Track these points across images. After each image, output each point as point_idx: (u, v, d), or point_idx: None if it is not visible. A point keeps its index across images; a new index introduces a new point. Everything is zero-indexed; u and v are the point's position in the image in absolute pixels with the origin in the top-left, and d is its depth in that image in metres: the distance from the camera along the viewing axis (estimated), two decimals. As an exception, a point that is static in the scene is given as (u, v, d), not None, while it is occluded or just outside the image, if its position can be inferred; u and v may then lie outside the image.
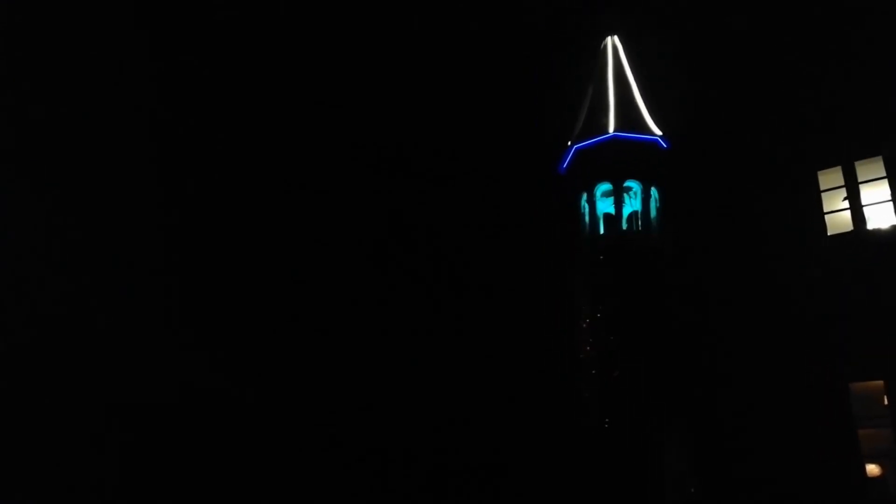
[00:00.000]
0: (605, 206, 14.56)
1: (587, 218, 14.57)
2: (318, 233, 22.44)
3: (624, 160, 14.22)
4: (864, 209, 12.49)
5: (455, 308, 19.98)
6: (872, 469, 12.02)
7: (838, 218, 12.79)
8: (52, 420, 19.12)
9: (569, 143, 14.96)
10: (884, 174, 12.30)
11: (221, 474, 18.42)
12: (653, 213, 14.19)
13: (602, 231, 14.47)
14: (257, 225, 22.45)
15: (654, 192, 14.29)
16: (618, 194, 14.15)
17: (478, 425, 17.85)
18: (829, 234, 12.74)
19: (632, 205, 14.48)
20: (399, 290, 20.97)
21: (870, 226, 12.44)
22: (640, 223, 14.20)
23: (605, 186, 14.48)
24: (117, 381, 19.66)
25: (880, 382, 11.88)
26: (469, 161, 21.90)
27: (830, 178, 12.87)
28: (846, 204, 12.69)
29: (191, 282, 21.81)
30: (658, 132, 14.42)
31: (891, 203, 12.22)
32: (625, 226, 14.18)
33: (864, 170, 12.56)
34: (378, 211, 22.37)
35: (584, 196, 14.69)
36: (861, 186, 12.55)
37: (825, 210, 12.85)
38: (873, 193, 12.52)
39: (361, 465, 18.22)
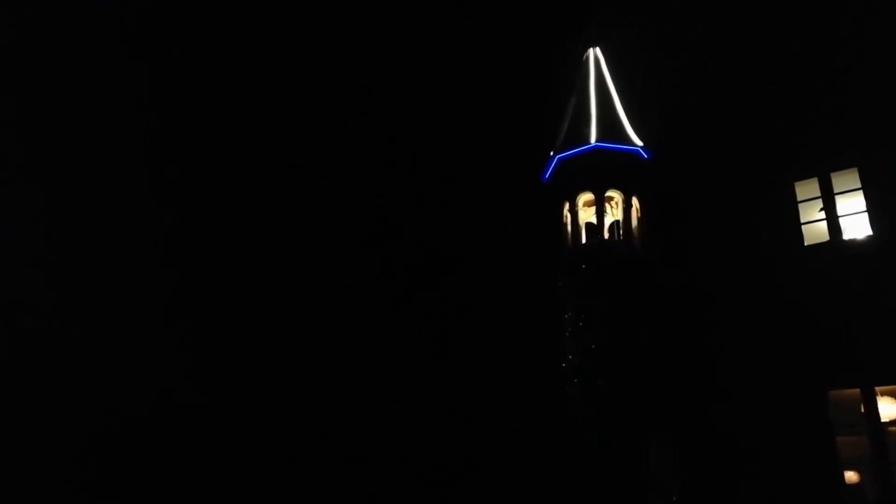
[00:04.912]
0: (587, 215, 14.73)
1: (569, 227, 14.74)
2: (304, 241, 22.49)
3: (605, 170, 14.39)
4: (840, 220, 12.70)
5: (441, 318, 20.07)
6: (851, 476, 12.19)
7: (815, 228, 12.99)
8: (33, 430, 19.03)
9: (551, 152, 15.10)
10: (859, 185, 12.51)
11: (202, 485, 18.38)
12: (634, 222, 14.36)
13: (584, 240, 14.62)
14: (253, 229, 22.52)
15: (634, 201, 14.48)
16: (599, 204, 14.29)
17: (463, 432, 17.92)
18: (805, 244, 12.94)
19: (613, 214, 14.64)
20: (382, 300, 21.04)
21: (845, 236, 12.64)
22: (621, 232, 14.36)
23: (587, 196, 14.65)
24: (98, 391, 19.59)
25: (857, 391, 12.06)
26: (456, 171, 22.06)
27: (807, 188, 13.08)
28: (822, 215, 12.90)
29: (176, 290, 21.78)
30: (639, 143, 14.60)
31: (866, 214, 12.42)
32: (606, 235, 14.31)
33: (839, 181, 12.76)
34: (363, 220, 22.46)
35: (567, 205, 14.86)
36: (837, 197, 12.76)
37: (802, 221, 13.05)
38: (849, 204, 12.73)
39: (343, 477, 18.23)
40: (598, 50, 15.51)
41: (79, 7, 24.22)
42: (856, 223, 12.62)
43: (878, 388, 11.91)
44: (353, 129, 25.32)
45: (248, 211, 23.41)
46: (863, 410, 11.95)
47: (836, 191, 12.74)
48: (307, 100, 26.36)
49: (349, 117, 25.25)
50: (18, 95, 23.28)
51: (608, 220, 14.48)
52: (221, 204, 23.56)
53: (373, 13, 26.03)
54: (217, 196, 23.67)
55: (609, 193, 14.47)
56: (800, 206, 13.07)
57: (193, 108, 24.54)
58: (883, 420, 11.76)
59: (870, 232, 12.31)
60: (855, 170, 12.54)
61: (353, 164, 24.13)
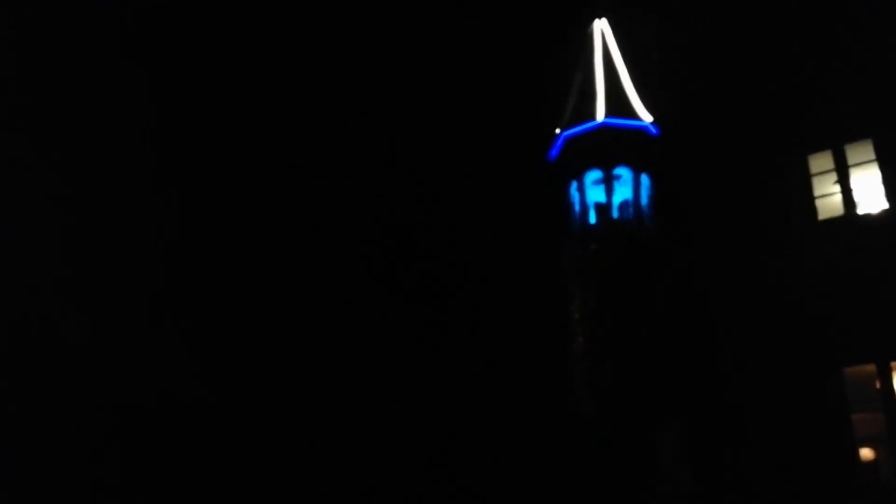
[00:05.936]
0: (596, 194, 14.48)
1: (577, 206, 14.48)
2: (305, 240, 22.35)
3: (613, 147, 14.17)
4: (854, 193, 12.48)
5: (442, 317, 19.89)
6: (866, 453, 11.93)
7: (829, 202, 12.74)
8: (34, 430, 18.78)
9: (557, 130, 14.91)
10: (874, 157, 12.29)
11: (203, 484, 18.13)
12: (643, 200, 14.13)
13: (592, 220, 14.36)
14: (253, 229, 22.40)
15: (644, 179, 14.24)
16: (608, 182, 14.08)
17: (463, 431, 17.68)
18: (819, 218, 12.69)
19: (622, 192, 14.39)
20: (382, 299, 20.85)
21: (860, 210, 12.41)
22: (631, 211, 14.12)
23: (595, 174, 14.41)
24: (98, 391, 19.36)
25: (872, 366, 11.81)
26: (456, 169, 21.97)
27: (821, 161, 12.84)
28: (837, 188, 12.67)
29: (176, 290, 21.61)
30: (648, 118, 14.38)
31: (881, 187, 12.20)
32: (616, 214, 14.09)
33: (853, 153, 12.54)
34: (367, 214, 22.36)
35: (574, 184, 14.62)
36: (851, 170, 12.53)
37: (816, 194, 12.82)
38: (863, 177, 12.50)
39: (343, 477, 17.98)
40: (604, 21, 15.28)
41: (79, 7, 24.19)
42: (870, 196, 12.39)
43: (893, 364, 11.67)
44: (353, 129, 25.25)
45: (249, 211, 23.29)
46: (878, 386, 11.70)
47: (850, 163, 12.51)
48: (307, 100, 26.33)
49: (349, 117, 25.20)
50: (18, 95, 23.17)
51: (617, 199, 14.23)
52: (222, 204, 23.43)
53: (373, 13, 26.05)
54: (217, 196, 23.54)
55: (618, 171, 14.22)
56: (813, 179, 12.82)
57: (193, 109, 24.47)
58: (899, 396, 11.51)
59: (885, 205, 12.07)
60: (869, 141, 12.33)
61: (353, 164, 24.03)
